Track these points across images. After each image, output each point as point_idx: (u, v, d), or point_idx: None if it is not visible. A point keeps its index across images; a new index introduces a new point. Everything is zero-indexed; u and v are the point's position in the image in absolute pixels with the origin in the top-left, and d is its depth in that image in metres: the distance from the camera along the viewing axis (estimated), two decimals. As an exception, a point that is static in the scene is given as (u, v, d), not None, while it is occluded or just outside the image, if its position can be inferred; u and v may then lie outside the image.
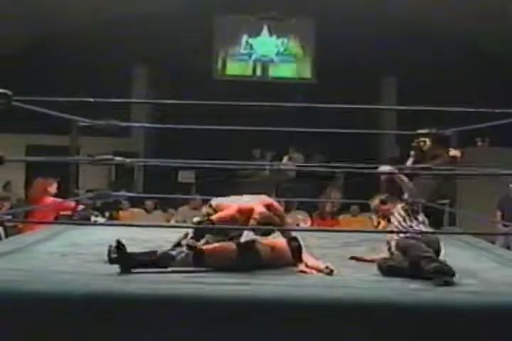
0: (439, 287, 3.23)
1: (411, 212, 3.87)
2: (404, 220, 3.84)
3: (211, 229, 3.82)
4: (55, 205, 6.18)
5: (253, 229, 3.81)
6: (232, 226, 3.83)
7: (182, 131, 9.05)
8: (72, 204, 6.10)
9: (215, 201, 4.01)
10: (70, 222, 5.97)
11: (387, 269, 3.58)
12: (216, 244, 3.76)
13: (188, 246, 3.70)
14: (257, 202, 3.85)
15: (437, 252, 3.63)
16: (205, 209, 4.04)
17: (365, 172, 6.99)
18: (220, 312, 2.99)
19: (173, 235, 4.26)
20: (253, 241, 3.88)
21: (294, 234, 3.82)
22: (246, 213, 3.78)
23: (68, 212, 6.33)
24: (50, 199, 6.24)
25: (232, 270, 3.56)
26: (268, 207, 3.83)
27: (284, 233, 3.81)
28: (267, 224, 3.73)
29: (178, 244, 3.91)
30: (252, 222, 3.72)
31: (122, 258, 3.53)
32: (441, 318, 2.97)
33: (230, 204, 3.88)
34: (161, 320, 2.96)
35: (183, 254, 3.67)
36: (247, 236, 3.90)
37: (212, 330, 2.97)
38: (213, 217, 3.80)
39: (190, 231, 3.91)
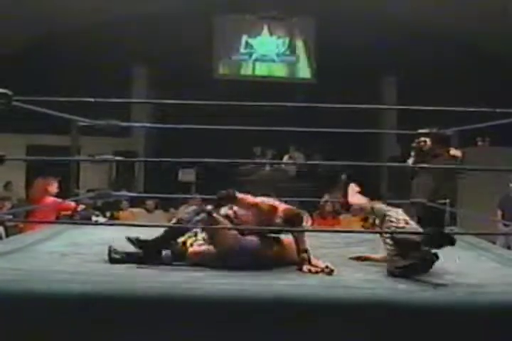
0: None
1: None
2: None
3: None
4: (56, 205, 6.17)
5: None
6: (236, 227, 3.84)
7: (182, 130, 9.06)
8: (73, 204, 6.09)
9: (239, 195, 4.05)
10: (71, 222, 5.97)
11: (398, 271, 3.57)
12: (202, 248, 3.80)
13: (207, 212, 3.80)
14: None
15: None
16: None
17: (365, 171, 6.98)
18: (220, 312, 2.99)
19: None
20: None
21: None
22: (268, 207, 3.84)
23: (69, 212, 6.32)
24: (50, 199, 6.24)
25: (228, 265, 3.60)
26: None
27: (299, 243, 3.81)
28: (292, 220, 3.79)
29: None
30: (278, 220, 3.78)
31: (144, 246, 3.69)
32: (441, 318, 2.98)
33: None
34: (162, 319, 2.96)
35: (198, 218, 3.74)
36: None
37: (212, 330, 2.98)
38: (238, 195, 3.88)
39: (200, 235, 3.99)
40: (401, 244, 3.53)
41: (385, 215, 3.86)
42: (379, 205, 4.02)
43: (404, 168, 6.11)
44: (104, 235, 4.76)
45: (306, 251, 3.76)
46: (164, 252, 3.76)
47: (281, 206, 3.87)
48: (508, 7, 10.52)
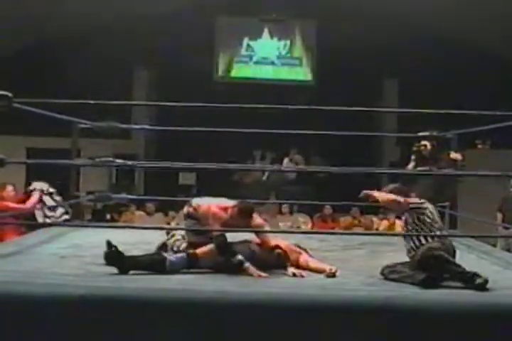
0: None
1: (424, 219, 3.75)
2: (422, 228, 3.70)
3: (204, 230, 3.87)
4: (8, 209, 5.85)
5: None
6: (231, 229, 3.84)
7: (183, 132, 9.06)
8: (26, 205, 5.84)
9: (194, 201, 4.11)
10: (72, 224, 5.94)
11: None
12: (209, 247, 3.75)
13: (181, 251, 3.79)
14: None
15: (453, 255, 3.63)
16: (186, 209, 4.11)
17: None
18: (220, 314, 2.98)
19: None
20: (245, 241, 3.91)
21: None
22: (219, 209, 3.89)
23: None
24: (8, 205, 5.90)
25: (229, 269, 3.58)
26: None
27: (266, 241, 3.87)
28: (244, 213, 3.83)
29: (164, 246, 3.99)
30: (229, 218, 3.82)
31: (118, 261, 3.53)
32: (443, 321, 2.97)
33: (208, 204, 3.97)
34: (160, 321, 2.95)
35: (178, 256, 3.68)
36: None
37: (212, 331, 2.97)
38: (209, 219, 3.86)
39: (177, 232, 4.10)
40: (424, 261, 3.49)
41: (423, 212, 3.72)
42: (414, 200, 3.84)
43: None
44: (104, 237, 4.75)
45: (278, 247, 3.80)
46: (169, 258, 3.70)
47: (230, 204, 3.91)
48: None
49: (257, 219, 3.95)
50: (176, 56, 12.62)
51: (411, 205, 3.72)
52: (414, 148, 5.90)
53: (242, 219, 3.82)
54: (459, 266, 3.42)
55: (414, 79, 12.61)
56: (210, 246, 3.73)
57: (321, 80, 13.83)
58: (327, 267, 3.67)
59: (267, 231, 3.90)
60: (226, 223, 3.82)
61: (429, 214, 3.73)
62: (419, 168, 5.68)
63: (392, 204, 3.84)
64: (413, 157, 5.95)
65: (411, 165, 5.94)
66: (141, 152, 13.20)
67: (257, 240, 3.91)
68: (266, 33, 14.24)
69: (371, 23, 12.66)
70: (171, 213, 10.21)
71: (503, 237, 7.81)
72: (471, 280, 3.28)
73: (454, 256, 3.61)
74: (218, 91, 13.20)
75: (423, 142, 5.81)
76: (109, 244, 3.60)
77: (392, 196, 3.79)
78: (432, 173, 5.36)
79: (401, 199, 3.75)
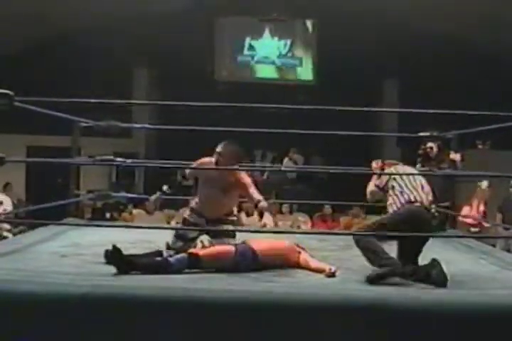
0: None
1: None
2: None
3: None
4: None
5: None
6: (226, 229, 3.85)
7: (183, 132, 9.06)
8: None
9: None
10: (74, 224, 5.94)
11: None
12: (212, 248, 3.76)
13: (182, 252, 3.76)
14: None
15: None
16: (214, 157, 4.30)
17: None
18: (221, 313, 2.99)
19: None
20: (245, 242, 3.90)
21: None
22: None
23: None
24: None
25: (231, 270, 3.57)
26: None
27: (252, 196, 4.06)
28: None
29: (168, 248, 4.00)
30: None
31: (119, 262, 3.52)
32: (441, 321, 2.97)
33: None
34: (161, 320, 2.95)
35: (179, 257, 3.67)
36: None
37: (212, 331, 2.97)
38: None
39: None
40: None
41: (386, 181, 3.92)
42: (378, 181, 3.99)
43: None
44: (104, 236, 4.76)
45: (260, 201, 4.02)
46: (172, 258, 3.69)
47: None
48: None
49: (245, 179, 4.16)
50: (176, 56, 12.61)
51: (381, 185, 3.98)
52: (421, 151, 5.87)
53: (230, 160, 4.12)
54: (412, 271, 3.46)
55: (414, 79, 12.61)
56: (212, 247, 3.75)
57: (322, 80, 13.83)
58: (327, 267, 3.67)
59: (268, 232, 3.89)
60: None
61: (396, 180, 3.90)
62: (421, 169, 5.67)
63: (375, 193, 4.08)
64: (419, 159, 5.92)
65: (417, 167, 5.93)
66: (141, 151, 13.19)
67: (256, 242, 3.89)
68: (267, 33, 14.25)
69: (371, 22, 12.66)
70: (171, 212, 10.19)
71: (503, 238, 7.81)
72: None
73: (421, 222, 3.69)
74: (219, 90, 13.20)
75: (429, 144, 5.79)
76: (114, 247, 3.58)
77: (369, 188, 4.10)
78: (432, 174, 5.35)
79: (372, 187, 4.06)
